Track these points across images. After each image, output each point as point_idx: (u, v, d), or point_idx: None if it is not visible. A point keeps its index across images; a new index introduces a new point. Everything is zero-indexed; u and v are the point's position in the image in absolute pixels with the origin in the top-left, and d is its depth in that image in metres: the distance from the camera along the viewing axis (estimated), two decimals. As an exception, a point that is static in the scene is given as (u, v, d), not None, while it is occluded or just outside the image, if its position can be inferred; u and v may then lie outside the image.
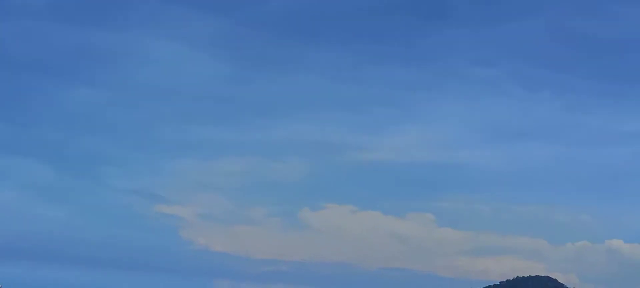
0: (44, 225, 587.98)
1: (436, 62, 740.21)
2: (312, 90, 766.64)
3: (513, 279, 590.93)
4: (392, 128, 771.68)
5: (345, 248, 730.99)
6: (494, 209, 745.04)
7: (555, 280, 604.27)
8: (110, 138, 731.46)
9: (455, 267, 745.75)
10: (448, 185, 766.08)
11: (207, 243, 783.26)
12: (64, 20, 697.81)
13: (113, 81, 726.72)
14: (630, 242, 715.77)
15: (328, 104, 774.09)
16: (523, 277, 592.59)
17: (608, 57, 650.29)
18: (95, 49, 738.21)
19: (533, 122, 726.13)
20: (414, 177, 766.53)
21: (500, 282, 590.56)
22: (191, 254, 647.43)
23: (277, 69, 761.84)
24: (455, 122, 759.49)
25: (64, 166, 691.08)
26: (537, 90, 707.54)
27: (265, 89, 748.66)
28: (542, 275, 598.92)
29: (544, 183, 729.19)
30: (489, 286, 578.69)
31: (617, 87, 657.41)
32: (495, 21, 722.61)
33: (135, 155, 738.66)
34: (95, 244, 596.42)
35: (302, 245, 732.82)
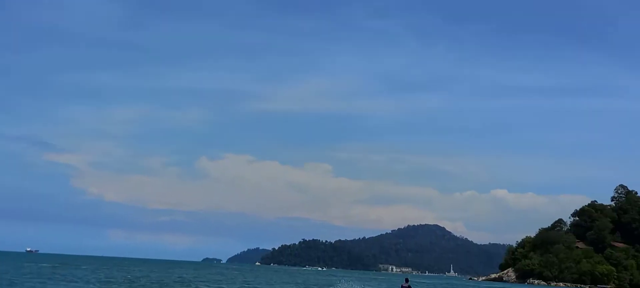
0: None
1: (334, 13, 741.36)
2: (211, 37, 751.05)
3: (404, 227, 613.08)
4: (290, 78, 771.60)
5: (243, 198, 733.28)
6: (388, 159, 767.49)
7: (444, 228, 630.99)
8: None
9: (350, 216, 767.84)
10: (345, 136, 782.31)
11: (100, 192, 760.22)
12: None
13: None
14: (514, 192, 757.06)
15: (227, 51, 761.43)
16: (414, 225, 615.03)
17: (500, 10, 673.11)
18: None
19: (427, 74, 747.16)
20: (311, 127, 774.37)
21: (392, 231, 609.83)
22: (83, 204, 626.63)
23: (175, 14, 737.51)
24: (352, 73, 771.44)
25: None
26: (431, 42, 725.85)
27: (162, 35, 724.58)
28: (432, 223, 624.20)
29: (436, 134, 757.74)
30: (382, 234, 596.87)
31: (508, 41, 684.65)
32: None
33: (23, 101, 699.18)
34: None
35: (200, 194, 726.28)
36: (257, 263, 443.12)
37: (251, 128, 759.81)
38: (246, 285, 73.76)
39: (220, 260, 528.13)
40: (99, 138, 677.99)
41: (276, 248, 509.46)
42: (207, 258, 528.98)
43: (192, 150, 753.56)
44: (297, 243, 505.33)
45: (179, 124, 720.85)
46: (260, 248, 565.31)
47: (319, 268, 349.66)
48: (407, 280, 38.73)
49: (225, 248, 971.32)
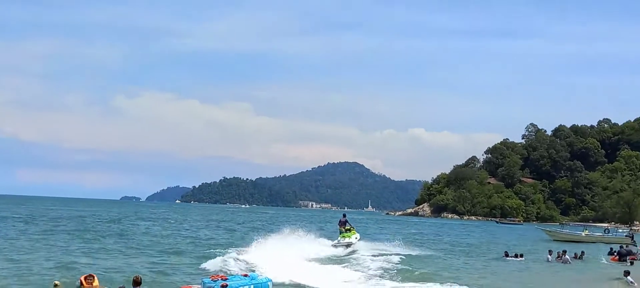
0: None
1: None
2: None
3: (324, 165, 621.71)
4: (211, 14, 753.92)
5: (163, 137, 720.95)
6: (308, 98, 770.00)
7: (362, 165, 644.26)
8: None
9: (270, 154, 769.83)
10: (265, 74, 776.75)
11: (14, 131, 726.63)
12: None
13: None
14: (431, 131, 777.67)
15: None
16: (333, 163, 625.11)
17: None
18: None
19: (349, 13, 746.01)
20: (232, 65, 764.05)
21: (312, 168, 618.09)
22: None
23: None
24: (273, 10, 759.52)
25: None
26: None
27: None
28: (351, 161, 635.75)
29: (357, 73, 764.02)
30: (302, 172, 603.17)
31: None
32: None
33: None
34: None
35: (118, 133, 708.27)
36: (177, 201, 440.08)
37: (171, 66, 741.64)
38: (174, 222, 73.53)
39: (139, 199, 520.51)
40: (11, 74, 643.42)
41: (196, 186, 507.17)
42: (125, 197, 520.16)
43: (110, 87, 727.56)
44: (217, 181, 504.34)
45: (95, 60, 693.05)
46: (180, 186, 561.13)
47: (243, 206, 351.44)
48: (344, 215, 42.24)
49: (144, 187, 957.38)
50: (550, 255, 38.69)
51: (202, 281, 17.61)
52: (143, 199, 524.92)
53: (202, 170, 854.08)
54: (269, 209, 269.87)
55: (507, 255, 39.33)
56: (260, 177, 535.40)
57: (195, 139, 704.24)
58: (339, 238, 39.08)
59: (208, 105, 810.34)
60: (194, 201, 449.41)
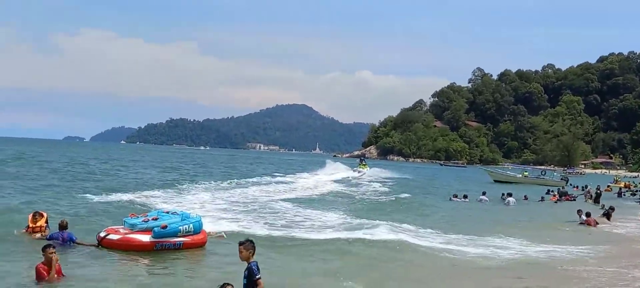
0: None
1: None
2: None
3: (272, 107, 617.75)
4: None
5: (106, 76, 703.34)
6: (256, 40, 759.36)
7: (310, 107, 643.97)
8: None
9: (217, 95, 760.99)
10: (212, 14, 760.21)
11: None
12: None
13: None
14: (378, 74, 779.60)
15: None
16: (281, 105, 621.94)
17: None
18: None
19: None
20: (177, 3, 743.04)
21: (260, 110, 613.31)
22: None
23: None
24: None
25: None
26: None
27: None
28: (299, 103, 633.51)
29: (305, 15, 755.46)
30: (250, 113, 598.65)
31: None
32: None
33: None
34: None
35: (56, 72, 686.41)
36: (122, 142, 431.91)
37: (112, 2, 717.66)
38: (124, 163, 71.56)
39: (83, 139, 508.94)
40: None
41: (142, 127, 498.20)
42: (68, 137, 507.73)
43: (46, 23, 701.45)
44: (163, 122, 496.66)
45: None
46: (126, 126, 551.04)
47: (203, 148, 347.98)
48: (363, 155, 75.80)
49: (87, 128, 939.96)
50: (484, 196, 39.23)
51: (124, 220, 16.57)
52: (87, 139, 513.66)
53: (147, 111, 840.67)
54: (218, 150, 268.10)
55: (456, 197, 39.70)
56: (208, 119, 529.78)
57: (139, 79, 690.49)
58: (358, 168, 66.48)
59: (152, 44, 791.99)
60: (140, 142, 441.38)
